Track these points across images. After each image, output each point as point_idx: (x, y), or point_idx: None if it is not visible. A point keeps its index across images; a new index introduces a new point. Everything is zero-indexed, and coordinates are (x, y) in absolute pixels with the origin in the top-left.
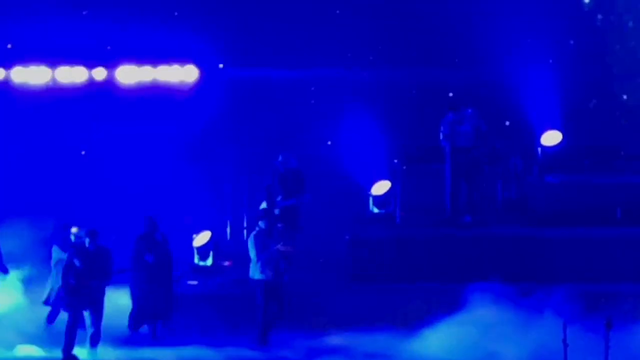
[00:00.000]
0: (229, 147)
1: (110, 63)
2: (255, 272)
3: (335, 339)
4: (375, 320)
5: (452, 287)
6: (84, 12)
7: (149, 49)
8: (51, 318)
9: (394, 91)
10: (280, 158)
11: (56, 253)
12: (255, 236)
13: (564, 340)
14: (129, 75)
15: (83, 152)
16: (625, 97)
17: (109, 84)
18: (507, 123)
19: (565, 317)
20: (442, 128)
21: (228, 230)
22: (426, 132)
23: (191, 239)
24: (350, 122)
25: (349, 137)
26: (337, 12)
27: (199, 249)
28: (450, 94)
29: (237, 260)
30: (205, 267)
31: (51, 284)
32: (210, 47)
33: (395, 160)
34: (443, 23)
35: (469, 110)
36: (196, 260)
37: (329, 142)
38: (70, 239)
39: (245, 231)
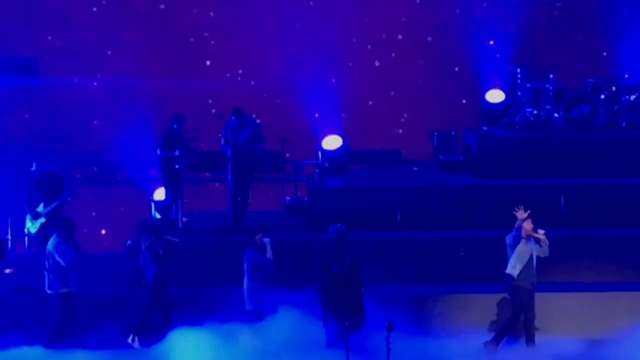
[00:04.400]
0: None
1: None
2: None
3: None
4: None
5: (234, 293)
6: None
7: None
8: None
9: (170, 99)
10: (33, 165)
11: None
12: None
13: (346, 343)
14: None
15: None
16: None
17: None
18: (289, 129)
19: (345, 321)
20: (223, 133)
21: (9, 237)
22: (209, 138)
23: None
24: (132, 129)
25: (131, 142)
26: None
27: None
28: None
29: (18, 268)
30: None
31: None
32: None
33: (177, 166)
34: (226, 32)
35: (250, 119)
36: None
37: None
38: None
39: (26, 238)
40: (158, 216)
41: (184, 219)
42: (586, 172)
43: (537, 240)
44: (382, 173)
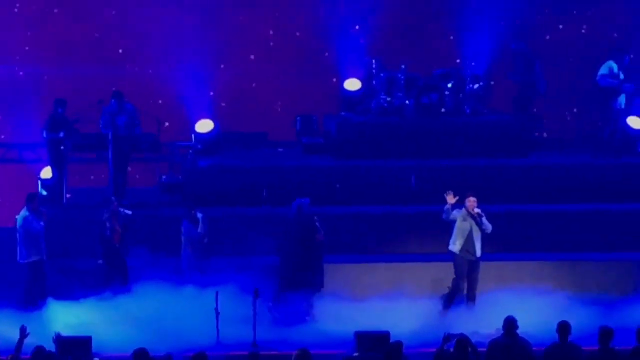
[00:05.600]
0: None
1: None
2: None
3: None
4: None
5: (117, 267)
6: None
7: None
8: None
9: (56, 84)
10: None
11: None
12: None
13: (216, 309)
14: None
15: None
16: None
17: None
18: (165, 113)
19: (218, 287)
20: (102, 117)
21: None
22: (89, 121)
23: None
24: (21, 112)
25: (21, 125)
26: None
27: None
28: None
29: None
30: None
31: None
32: None
33: (62, 147)
34: (108, 19)
35: (129, 103)
36: None
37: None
38: None
39: None
40: (44, 193)
41: (68, 195)
42: (434, 153)
43: (474, 217)
44: (250, 154)
